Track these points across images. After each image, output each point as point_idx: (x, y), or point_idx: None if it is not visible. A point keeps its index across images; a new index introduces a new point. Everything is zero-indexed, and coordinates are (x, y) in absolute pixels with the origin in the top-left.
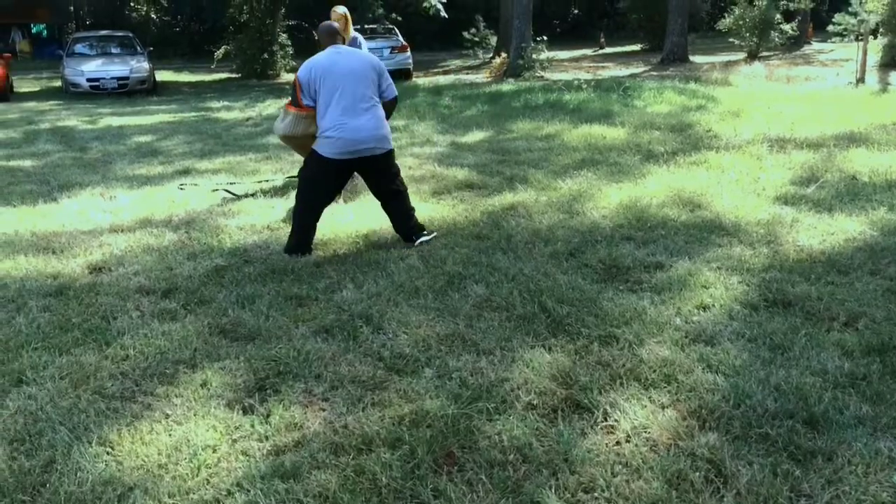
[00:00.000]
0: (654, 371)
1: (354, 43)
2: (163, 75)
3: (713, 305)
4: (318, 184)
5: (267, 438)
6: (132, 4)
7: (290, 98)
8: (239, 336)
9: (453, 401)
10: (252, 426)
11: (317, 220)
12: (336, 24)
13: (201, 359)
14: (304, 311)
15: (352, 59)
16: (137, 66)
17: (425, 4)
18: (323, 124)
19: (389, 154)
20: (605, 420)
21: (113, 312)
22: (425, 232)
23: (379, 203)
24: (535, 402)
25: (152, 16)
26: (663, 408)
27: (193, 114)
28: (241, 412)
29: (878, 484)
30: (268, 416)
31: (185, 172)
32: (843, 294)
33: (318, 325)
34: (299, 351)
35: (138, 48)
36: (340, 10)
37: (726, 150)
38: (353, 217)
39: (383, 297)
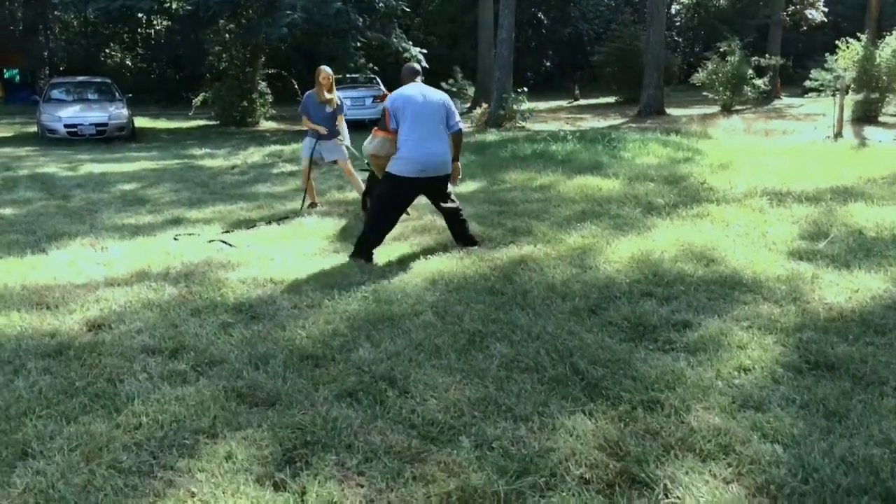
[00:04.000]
0: (709, 441)
1: (341, 105)
2: (140, 121)
3: (753, 368)
4: (390, 199)
5: None
6: (107, 51)
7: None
8: (258, 401)
9: (499, 474)
10: None
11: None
12: (418, 66)
13: (221, 427)
14: (323, 373)
15: (430, 94)
16: (116, 112)
17: (406, 55)
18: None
19: (449, 176)
20: (667, 497)
21: (119, 375)
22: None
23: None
24: (587, 476)
25: (127, 62)
26: (727, 482)
27: (176, 161)
28: (272, 489)
29: None
30: (303, 493)
31: (176, 222)
32: (886, 356)
33: (339, 388)
34: (325, 418)
35: (117, 94)
36: (327, 70)
37: (726, 203)
38: (359, 271)
39: (403, 357)
